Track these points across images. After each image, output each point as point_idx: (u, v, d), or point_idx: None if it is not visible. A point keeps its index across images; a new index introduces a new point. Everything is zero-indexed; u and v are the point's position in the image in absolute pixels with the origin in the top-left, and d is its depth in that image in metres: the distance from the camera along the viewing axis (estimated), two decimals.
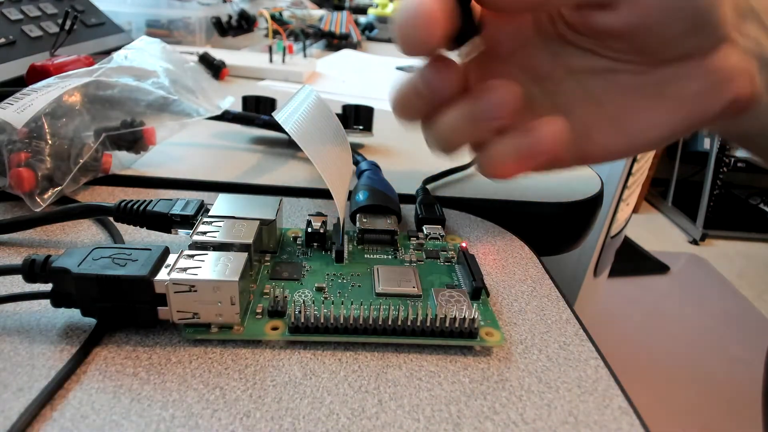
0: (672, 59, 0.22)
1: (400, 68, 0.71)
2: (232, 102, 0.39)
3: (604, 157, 0.25)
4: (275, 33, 0.67)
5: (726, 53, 0.21)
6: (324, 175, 0.22)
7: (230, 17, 0.73)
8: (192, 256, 0.20)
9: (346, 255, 0.24)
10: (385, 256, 0.25)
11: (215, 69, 0.57)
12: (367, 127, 0.39)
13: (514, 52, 0.25)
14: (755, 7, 0.22)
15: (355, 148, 0.38)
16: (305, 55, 0.70)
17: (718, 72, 0.21)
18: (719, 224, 2.02)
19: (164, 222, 0.24)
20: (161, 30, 0.69)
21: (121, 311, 0.19)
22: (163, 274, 0.19)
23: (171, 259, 0.20)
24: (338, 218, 0.25)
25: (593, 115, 0.24)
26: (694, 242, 1.87)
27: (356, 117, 0.39)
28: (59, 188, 0.27)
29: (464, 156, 0.38)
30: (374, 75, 0.68)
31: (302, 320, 0.19)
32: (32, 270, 0.19)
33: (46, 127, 0.27)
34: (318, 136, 0.24)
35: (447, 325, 0.20)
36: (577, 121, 0.24)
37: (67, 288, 0.19)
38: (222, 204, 0.24)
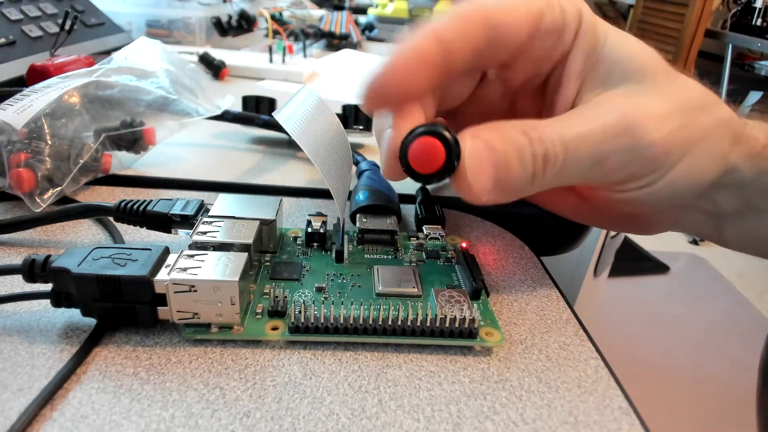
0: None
1: None
2: (232, 102, 0.39)
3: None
4: (275, 33, 0.67)
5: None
6: (324, 175, 0.22)
7: (230, 17, 0.73)
8: (192, 256, 0.20)
9: (346, 255, 0.24)
10: (385, 256, 0.25)
11: (215, 69, 0.57)
12: (367, 127, 0.39)
13: None
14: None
15: (355, 148, 0.38)
16: (305, 55, 0.70)
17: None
18: None
19: (164, 222, 0.24)
20: (161, 30, 0.69)
21: (121, 311, 0.19)
22: (163, 274, 0.19)
23: (171, 259, 0.20)
24: (338, 218, 0.25)
25: None
26: (694, 242, 1.87)
27: (356, 117, 0.39)
28: (59, 188, 0.27)
29: None
30: None
31: (302, 320, 0.19)
32: (32, 270, 0.19)
33: (45, 127, 0.27)
34: (318, 137, 0.24)
35: (447, 325, 0.20)
36: None
37: (67, 288, 0.19)
38: (222, 204, 0.24)
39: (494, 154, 0.19)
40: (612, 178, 0.21)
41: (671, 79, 0.21)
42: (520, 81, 0.24)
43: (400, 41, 0.20)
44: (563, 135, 0.19)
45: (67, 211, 0.25)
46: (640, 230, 0.27)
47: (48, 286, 0.19)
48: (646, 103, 0.20)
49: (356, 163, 0.33)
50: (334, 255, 0.24)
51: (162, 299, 0.19)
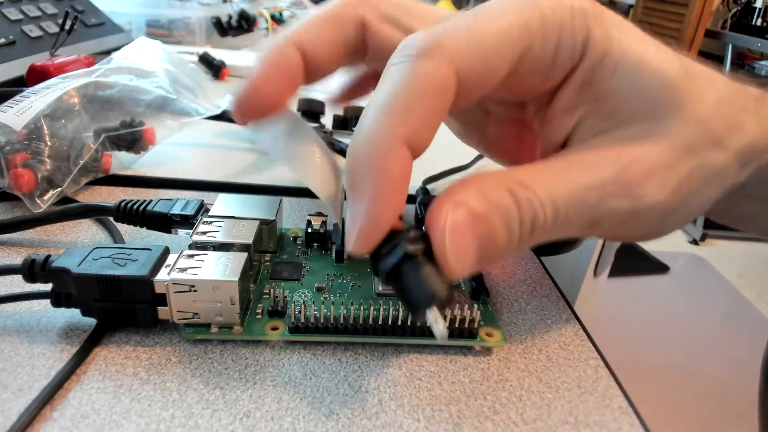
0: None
1: None
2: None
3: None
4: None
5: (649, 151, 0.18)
6: (312, 185, 0.21)
7: (230, 17, 0.73)
8: (192, 256, 0.20)
9: (346, 255, 0.24)
10: None
11: (215, 69, 0.57)
12: None
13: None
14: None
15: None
16: None
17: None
18: (719, 224, 2.01)
19: (164, 222, 0.24)
20: (161, 30, 0.69)
21: (121, 311, 0.19)
22: (163, 274, 0.19)
23: (171, 259, 0.20)
24: None
25: (498, 145, 0.25)
26: (694, 242, 1.87)
27: (356, 117, 0.39)
28: (59, 189, 0.27)
29: (464, 156, 0.37)
30: None
31: (302, 320, 0.19)
32: (32, 270, 0.19)
33: (45, 128, 0.27)
34: (297, 153, 0.23)
35: (447, 325, 0.20)
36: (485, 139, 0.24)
37: (67, 288, 0.19)
38: (222, 204, 0.24)
39: (477, 228, 0.16)
40: (605, 236, 0.19)
41: (690, 106, 0.17)
42: (504, 107, 0.22)
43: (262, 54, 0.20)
44: (554, 195, 0.16)
45: (67, 211, 0.25)
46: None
47: (48, 286, 0.19)
48: (652, 152, 0.17)
49: None
50: (334, 255, 0.24)
51: (162, 299, 0.19)
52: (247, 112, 0.20)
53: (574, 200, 0.17)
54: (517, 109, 0.23)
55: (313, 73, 0.20)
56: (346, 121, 0.39)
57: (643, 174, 0.17)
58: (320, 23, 0.20)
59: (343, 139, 0.37)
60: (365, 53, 0.21)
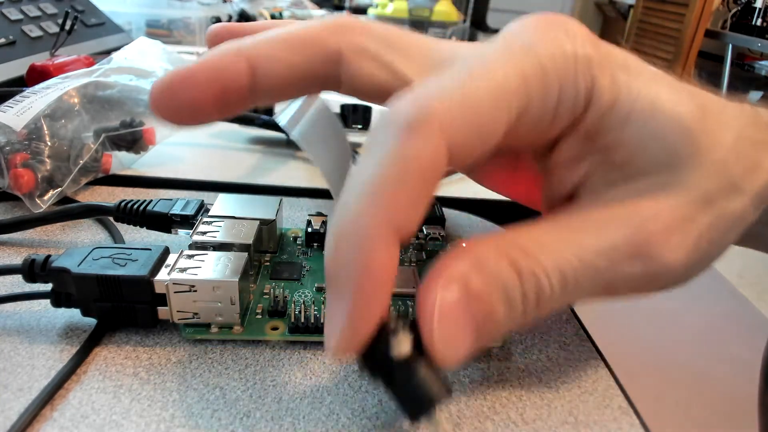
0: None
1: None
2: None
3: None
4: None
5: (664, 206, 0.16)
6: (327, 179, 0.22)
7: (230, 17, 0.73)
8: (192, 256, 0.20)
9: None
10: None
11: None
12: (366, 127, 0.39)
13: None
14: None
15: (354, 147, 0.38)
16: None
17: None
18: None
19: (164, 222, 0.24)
20: (161, 30, 0.69)
21: (121, 311, 0.19)
22: (163, 274, 0.19)
23: (171, 259, 0.20)
24: None
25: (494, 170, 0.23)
26: None
27: (355, 116, 0.39)
28: (59, 189, 0.27)
29: None
30: None
31: (302, 320, 0.19)
32: (32, 270, 0.19)
33: (45, 128, 0.27)
34: (323, 141, 0.24)
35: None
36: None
37: (67, 288, 0.19)
38: (222, 204, 0.24)
39: (473, 307, 0.14)
40: (623, 297, 0.17)
41: (707, 149, 0.16)
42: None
43: None
44: (561, 263, 0.15)
45: (67, 211, 0.25)
46: None
47: (48, 286, 0.19)
48: (669, 207, 0.16)
49: None
50: None
51: (162, 299, 0.19)
52: (158, 105, 0.17)
53: (583, 267, 0.15)
54: (513, 151, 0.21)
55: (262, 91, 0.18)
56: (345, 119, 0.39)
57: (659, 232, 0.16)
58: (281, 42, 0.17)
59: None
60: (338, 86, 0.18)
